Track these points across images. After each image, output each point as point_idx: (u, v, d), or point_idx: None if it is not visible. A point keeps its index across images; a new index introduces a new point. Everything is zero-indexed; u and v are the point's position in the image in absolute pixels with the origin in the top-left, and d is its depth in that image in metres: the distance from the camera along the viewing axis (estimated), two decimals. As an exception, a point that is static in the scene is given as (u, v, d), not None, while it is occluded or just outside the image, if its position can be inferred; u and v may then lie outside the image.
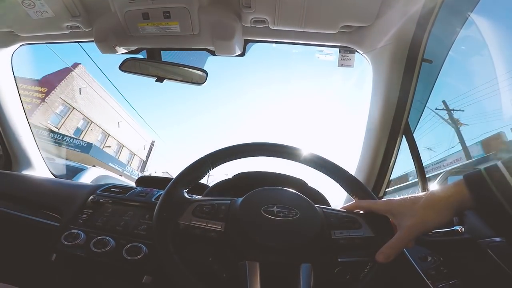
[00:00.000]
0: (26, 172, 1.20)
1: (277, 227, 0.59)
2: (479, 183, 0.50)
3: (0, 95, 1.24)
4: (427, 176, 1.02)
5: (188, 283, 0.52)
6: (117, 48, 1.18)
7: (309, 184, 0.96)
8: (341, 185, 0.72)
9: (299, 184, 0.95)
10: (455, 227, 0.74)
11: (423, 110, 1.17)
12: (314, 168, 0.74)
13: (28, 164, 1.21)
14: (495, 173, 0.49)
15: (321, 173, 0.73)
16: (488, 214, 0.52)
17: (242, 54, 1.17)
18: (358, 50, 1.15)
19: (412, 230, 0.56)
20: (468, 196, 0.51)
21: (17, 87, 1.27)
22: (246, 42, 1.16)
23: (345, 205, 0.69)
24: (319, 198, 0.93)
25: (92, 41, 1.17)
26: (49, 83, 15.04)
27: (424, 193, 0.58)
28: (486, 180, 0.49)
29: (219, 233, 0.59)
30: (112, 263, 0.71)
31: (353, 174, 0.72)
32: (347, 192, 0.72)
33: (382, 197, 1.15)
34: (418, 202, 0.57)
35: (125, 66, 1.16)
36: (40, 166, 1.26)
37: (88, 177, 3.34)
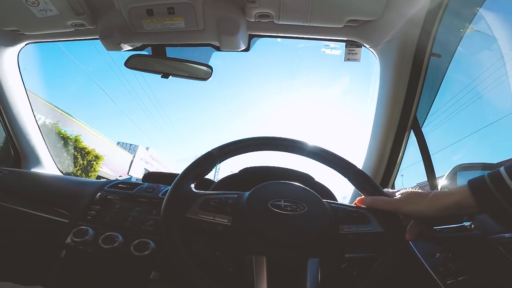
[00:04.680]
0: (35, 170, 1.21)
1: (284, 221, 0.58)
2: (483, 190, 0.51)
3: (8, 94, 1.25)
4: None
5: (195, 278, 0.52)
6: (122, 45, 1.18)
7: (316, 179, 0.96)
8: (349, 180, 0.71)
9: (306, 179, 0.94)
10: (464, 223, 0.73)
11: (432, 105, 1.16)
12: (322, 163, 0.73)
13: (36, 161, 1.22)
14: (498, 180, 0.50)
15: (329, 167, 0.73)
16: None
17: (247, 49, 1.16)
18: (364, 45, 1.13)
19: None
20: (471, 199, 0.52)
21: (24, 85, 1.28)
22: (251, 37, 1.16)
23: (356, 200, 0.69)
24: (325, 193, 0.93)
25: (97, 39, 1.18)
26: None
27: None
28: (490, 187, 0.50)
29: (226, 227, 0.59)
30: (120, 258, 0.71)
31: (361, 169, 0.71)
32: (355, 186, 0.71)
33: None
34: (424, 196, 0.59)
35: (130, 63, 1.16)
36: (49, 164, 1.27)
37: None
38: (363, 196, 0.67)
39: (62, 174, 1.24)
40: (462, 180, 0.93)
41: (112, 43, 1.17)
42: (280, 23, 1.05)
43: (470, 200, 0.52)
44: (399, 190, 0.65)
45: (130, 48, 1.22)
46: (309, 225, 0.59)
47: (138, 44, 1.22)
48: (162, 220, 0.57)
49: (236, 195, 0.63)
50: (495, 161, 0.87)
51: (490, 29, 1.08)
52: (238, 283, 0.55)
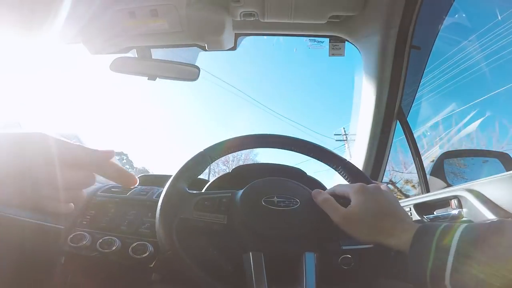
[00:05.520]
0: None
1: (279, 217, 0.59)
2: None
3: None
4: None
5: (196, 278, 0.53)
6: (106, 48, 1.16)
7: (307, 174, 0.97)
8: (341, 174, 0.72)
9: (298, 174, 0.95)
10: (452, 212, 0.74)
11: (415, 95, 1.20)
12: (313, 157, 0.74)
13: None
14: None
15: (321, 162, 0.74)
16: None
17: (234, 48, 1.17)
18: (347, 39, 1.16)
19: None
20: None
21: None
22: (237, 36, 1.16)
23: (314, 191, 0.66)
24: (318, 187, 0.94)
25: (80, 43, 1.15)
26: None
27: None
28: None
29: (222, 226, 0.59)
30: (120, 262, 0.71)
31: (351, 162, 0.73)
32: (346, 180, 0.72)
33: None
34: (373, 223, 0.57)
35: (115, 66, 1.14)
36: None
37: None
38: (320, 190, 0.64)
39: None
40: (449, 168, 0.98)
41: (95, 47, 1.14)
42: (265, 21, 1.06)
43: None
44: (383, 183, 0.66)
45: (114, 51, 1.20)
46: (302, 219, 0.60)
47: (122, 47, 1.20)
48: (158, 223, 0.57)
49: (230, 194, 0.64)
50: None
51: (466, 19, 1.13)
52: (237, 281, 0.56)
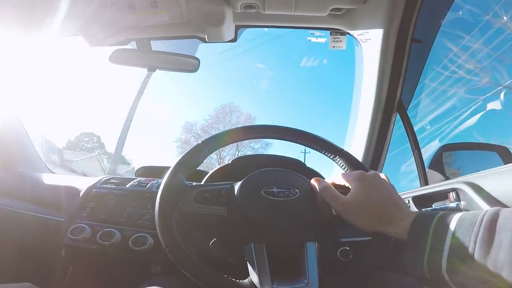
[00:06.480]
0: (23, 170, 1.17)
1: (279, 208, 0.59)
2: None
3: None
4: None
5: (198, 270, 0.53)
6: (105, 40, 1.15)
7: (306, 164, 0.97)
8: (338, 163, 0.72)
9: (296, 165, 0.96)
10: (450, 205, 0.74)
11: (416, 88, 1.20)
12: (311, 148, 0.74)
13: (24, 161, 1.18)
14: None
15: (318, 152, 0.74)
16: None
17: (234, 40, 1.16)
18: (348, 32, 1.16)
19: None
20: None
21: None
22: (238, 27, 1.15)
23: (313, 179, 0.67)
24: (316, 177, 0.94)
25: (79, 35, 1.15)
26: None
27: None
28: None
29: (222, 218, 0.59)
30: (120, 254, 0.71)
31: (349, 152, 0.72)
32: (344, 170, 0.72)
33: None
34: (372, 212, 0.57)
35: (114, 58, 1.14)
36: (37, 163, 1.23)
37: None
38: (319, 179, 0.65)
39: (52, 173, 1.21)
40: (448, 161, 0.98)
41: (94, 39, 1.14)
42: (266, 13, 1.05)
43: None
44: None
45: (114, 43, 1.19)
46: (302, 210, 0.60)
47: (122, 39, 1.19)
48: (157, 216, 0.57)
49: (229, 186, 0.64)
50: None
51: (468, 14, 1.12)
52: (239, 272, 0.56)
